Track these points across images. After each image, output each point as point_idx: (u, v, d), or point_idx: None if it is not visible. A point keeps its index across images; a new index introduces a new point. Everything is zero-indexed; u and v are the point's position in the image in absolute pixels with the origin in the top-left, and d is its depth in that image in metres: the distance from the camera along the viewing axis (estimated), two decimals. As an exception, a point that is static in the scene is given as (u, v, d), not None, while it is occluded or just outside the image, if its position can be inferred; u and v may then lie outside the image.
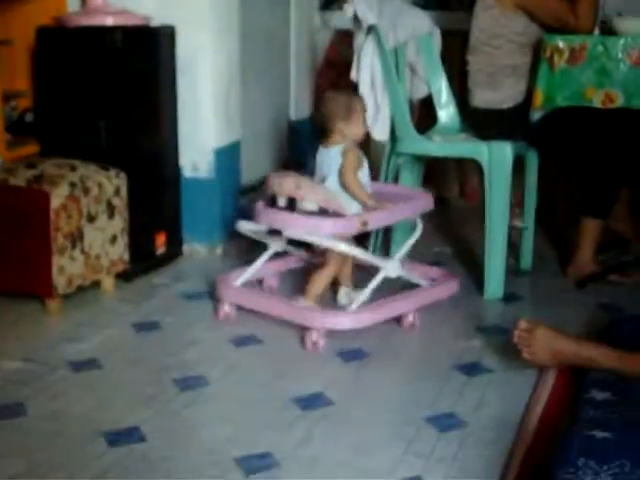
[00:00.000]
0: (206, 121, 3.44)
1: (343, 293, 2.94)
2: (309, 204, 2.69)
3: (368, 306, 2.74)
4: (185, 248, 3.53)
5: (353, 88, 3.17)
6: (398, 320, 2.79)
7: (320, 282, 2.80)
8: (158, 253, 3.36)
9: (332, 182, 2.76)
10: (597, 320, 2.83)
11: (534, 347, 2.35)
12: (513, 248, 3.34)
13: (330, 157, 2.76)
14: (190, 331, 2.80)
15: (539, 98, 2.96)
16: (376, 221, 2.78)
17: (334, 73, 4.32)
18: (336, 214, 2.69)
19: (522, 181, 3.31)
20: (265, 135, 4.08)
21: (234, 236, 3.27)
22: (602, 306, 2.99)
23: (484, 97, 3.18)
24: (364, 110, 2.81)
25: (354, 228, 2.70)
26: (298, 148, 4.25)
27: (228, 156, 3.55)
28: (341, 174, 2.74)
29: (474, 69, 3.21)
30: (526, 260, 3.40)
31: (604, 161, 3.08)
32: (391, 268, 2.80)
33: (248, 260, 3.03)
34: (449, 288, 2.95)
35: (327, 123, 2.77)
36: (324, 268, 2.81)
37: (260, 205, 2.80)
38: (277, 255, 3.02)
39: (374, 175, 2.97)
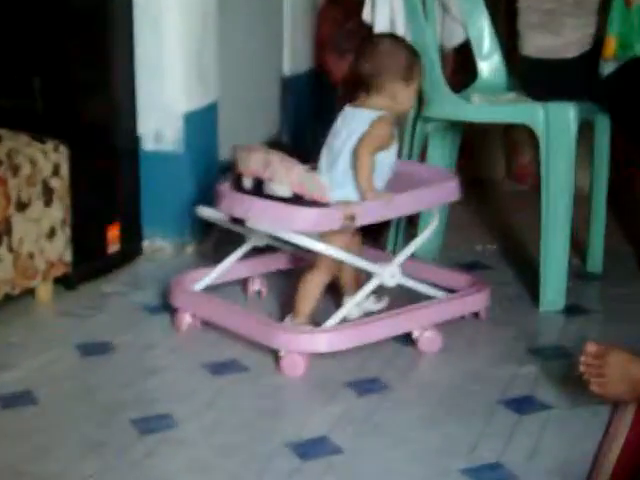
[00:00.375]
0: (172, 77, 3.44)
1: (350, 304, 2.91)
2: (279, 187, 2.66)
3: (352, 323, 2.75)
4: (145, 245, 3.54)
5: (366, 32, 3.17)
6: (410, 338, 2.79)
7: (309, 294, 2.79)
8: (110, 252, 3.36)
9: (347, 156, 2.71)
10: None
11: (606, 377, 2.34)
12: (578, 245, 3.34)
13: (357, 121, 2.72)
14: (152, 355, 2.81)
15: (611, 45, 2.96)
16: (367, 215, 2.73)
17: (339, 12, 4.30)
18: (314, 202, 2.65)
19: (589, 154, 3.30)
20: (250, 96, 4.07)
21: (211, 229, 3.26)
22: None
23: (539, 43, 3.17)
24: (421, 77, 2.80)
25: (335, 222, 2.65)
26: (294, 113, 4.24)
27: (202, 123, 3.55)
28: (357, 144, 2.69)
29: (524, 6, 3.20)
30: (595, 260, 3.40)
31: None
32: (387, 275, 2.79)
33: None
34: (474, 302, 2.94)
35: (374, 78, 2.73)
36: (312, 274, 2.80)
37: (224, 187, 2.80)
38: (268, 250, 3.05)
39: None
